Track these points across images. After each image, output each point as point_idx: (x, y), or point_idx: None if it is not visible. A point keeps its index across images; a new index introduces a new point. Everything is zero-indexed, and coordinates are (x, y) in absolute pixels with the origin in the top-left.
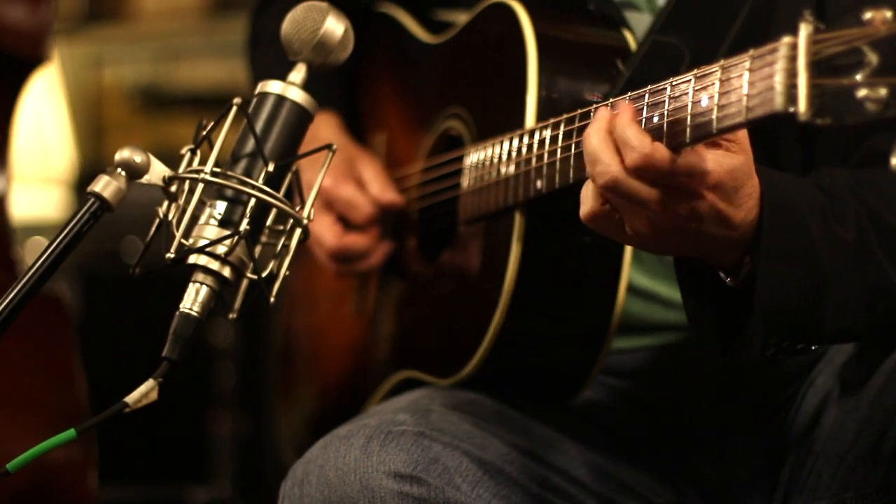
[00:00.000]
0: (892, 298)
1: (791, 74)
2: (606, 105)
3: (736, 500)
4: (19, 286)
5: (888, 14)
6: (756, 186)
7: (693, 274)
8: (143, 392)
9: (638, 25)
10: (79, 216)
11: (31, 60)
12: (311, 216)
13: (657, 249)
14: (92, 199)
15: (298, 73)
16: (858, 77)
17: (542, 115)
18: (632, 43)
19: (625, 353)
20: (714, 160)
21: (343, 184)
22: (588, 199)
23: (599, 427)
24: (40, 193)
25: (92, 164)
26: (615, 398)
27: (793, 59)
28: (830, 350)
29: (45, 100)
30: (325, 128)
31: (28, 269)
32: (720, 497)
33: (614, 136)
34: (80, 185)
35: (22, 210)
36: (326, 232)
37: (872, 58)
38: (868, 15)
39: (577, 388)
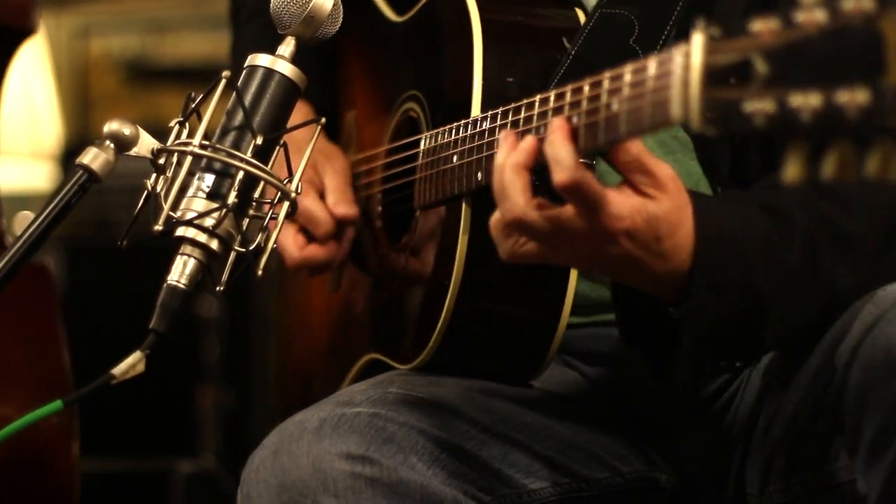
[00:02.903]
0: (844, 305)
1: (685, 84)
2: (515, 131)
3: (694, 478)
4: (7, 258)
5: (776, 23)
6: (689, 236)
7: (627, 299)
8: (130, 364)
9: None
10: (67, 188)
11: (17, 32)
12: (300, 189)
13: (594, 275)
14: (80, 171)
15: (287, 47)
16: (747, 88)
17: (488, 104)
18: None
19: (570, 329)
20: (632, 206)
21: (304, 194)
22: (501, 239)
23: (563, 399)
24: (29, 166)
25: (79, 136)
26: (572, 371)
27: (687, 68)
28: None
29: (33, 72)
30: (293, 118)
31: (16, 241)
32: (686, 471)
33: (546, 153)
34: (67, 157)
35: (10, 183)
36: (289, 243)
37: (762, 68)
38: (757, 26)
39: (535, 371)
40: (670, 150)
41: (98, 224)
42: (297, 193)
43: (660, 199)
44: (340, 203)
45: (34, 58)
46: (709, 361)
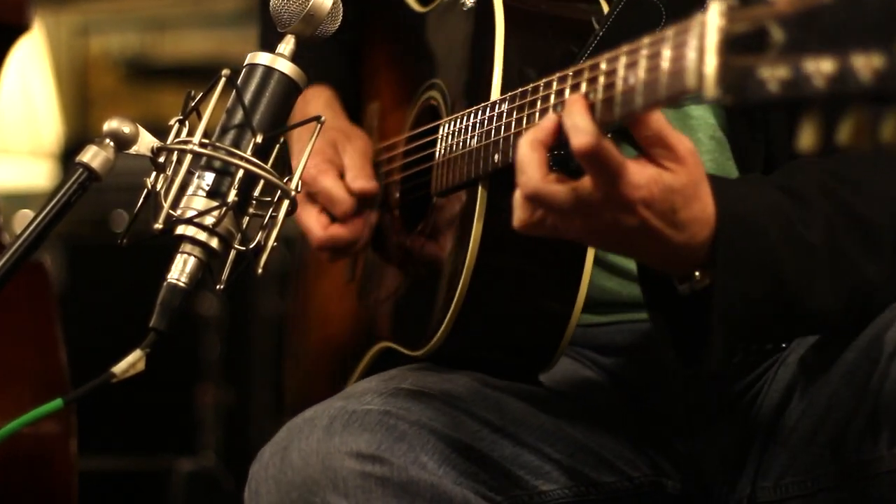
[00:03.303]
0: (868, 294)
1: (701, 52)
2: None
3: (706, 477)
4: (7, 257)
5: None
6: (706, 209)
7: (655, 282)
8: (130, 362)
9: None
10: (67, 186)
11: (12, 29)
12: (300, 188)
13: (606, 250)
14: (80, 170)
15: (287, 45)
16: (763, 56)
17: (507, 90)
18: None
19: (598, 326)
20: (649, 176)
21: (324, 174)
22: (517, 208)
23: (575, 400)
24: (29, 165)
25: (78, 134)
26: (589, 371)
27: (703, 36)
28: None
29: (32, 70)
30: (314, 103)
31: (15, 240)
32: (693, 471)
33: (564, 124)
34: (66, 155)
35: (10, 181)
36: (313, 223)
37: (778, 36)
38: None
39: (546, 362)
40: (707, 150)
41: (98, 222)
42: (297, 192)
43: (677, 172)
44: (358, 178)
45: (33, 56)
46: (739, 342)
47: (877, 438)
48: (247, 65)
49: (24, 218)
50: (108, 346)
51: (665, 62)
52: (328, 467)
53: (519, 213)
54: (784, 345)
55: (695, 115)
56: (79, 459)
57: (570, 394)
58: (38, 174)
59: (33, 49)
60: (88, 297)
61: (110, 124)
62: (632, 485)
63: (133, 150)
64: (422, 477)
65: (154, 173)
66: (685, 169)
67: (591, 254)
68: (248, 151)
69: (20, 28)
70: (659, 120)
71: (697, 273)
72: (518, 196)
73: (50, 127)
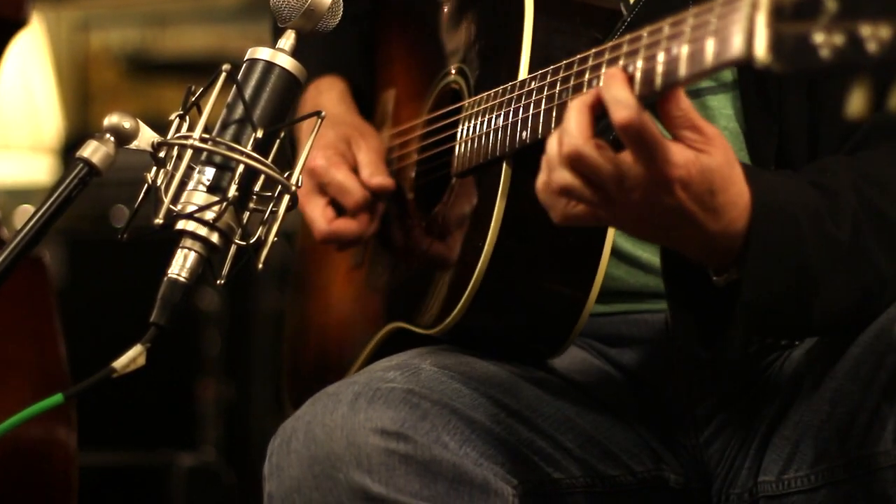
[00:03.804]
0: (883, 296)
1: (752, 20)
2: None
3: (709, 468)
4: (7, 251)
5: None
6: (742, 195)
7: (678, 266)
8: (131, 357)
9: None
10: (67, 181)
11: (11, 24)
12: (300, 183)
13: (636, 234)
14: (80, 165)
15: (287, 40)
16: (816, 23)
17: (535, 69)
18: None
19: (604, 316)
20: (686, 157)
21: (337, 166)
22: (552, 203)
23: (585, 390)
24: (29, 160)
25: (78, 129)
26: (596, 360)
27: (755, 5)
28: None
29: (32, 66)
30: (327, 95)
31: (15, 235)
32: (695, 465)
33: (604, 97)
34: (67, 150)
35: (10, 176)
36: (318, 216)
37: (831, 4)
38: None
39: (557, 348)
40: None
41: (98, 217)
42: (298, 187)
43: (712, 153)
44: (376, 174)
45: (34, 51)
46: (758, 335)
47: (881, 433)
48: (247, 60)
49: (24, 213)
50: (109, 341)
51: (712, 31)
52: (352, 443)
53: (556, 206)
54: (797, 342)
55: (712, 105)
56: (79, 454)
57: (581, 383)
58: (39, 169)
59: (34, 44)
60: (89, 292)
61: (111, 119)
62: (635, 479)
63: (133, 145)
64: (444, 456)
65: (154, 168)
66: (719, 150)
67: (609, 239)
68: (249, 146)
69: (18, 23)
70: (686, 101)
71: (735, 268)
72: (547, 187)
73: (50, 122)
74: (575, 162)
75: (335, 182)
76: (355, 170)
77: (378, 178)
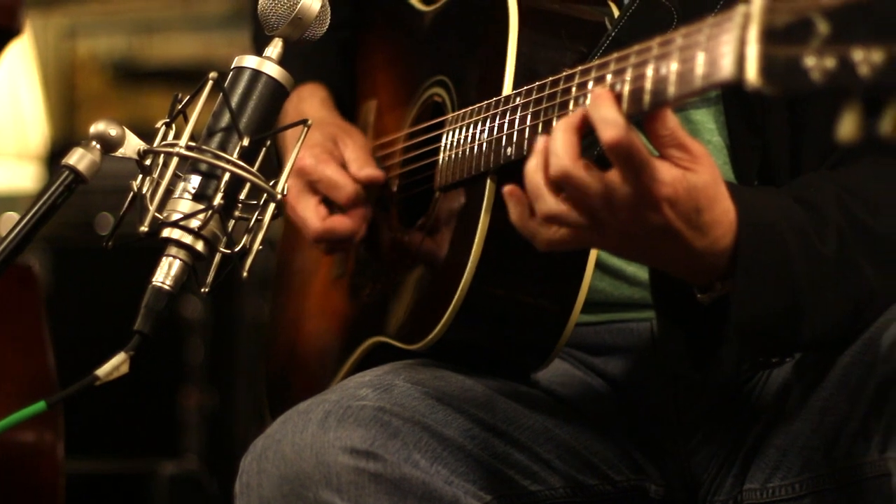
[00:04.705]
0: (874, 308)
1: (743, 42)
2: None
3: (695, 476)
4: None
5: None
6: (727, 212)
7: (667, 287)
8: (114, 365)
9: None
10: (52, 189)
11: (4, 32)
12: (286, 191)
13: (623, 254)
14: (66, 172)
15: (274, 48)
16: (807, 46)
17: (520, 85)
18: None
19: (588, 326)
20: (674, 175)
21: (325, 163)
22: (536, 232)
23: (564, 401)
24: (15, 167)
25: (65, 137)
26: (578, 371)
27: (745, 27)
28: None
29: (19, 73)
30: (309, 102)
31: (0, 242)
32: (680, 473)
33: (591, 117)
34: (52, 158)
35: None
36: (311, 214)
37: (823, 27)
38: None
39: (541, 362)
40: None
41: (83, 225)
42: (283, 195)
43: (699, 171)
44: (365, 167)
45: (21, 58)
46: (748, 354)
47: (868, 443)
48: (234, 68)
49: (9, 220)
50: (93, 348)
51: (701, 52)
52: (322, 462)
53: (542, 234)
54: (788, 359)
55: (695, 119)
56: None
57: (560, 394)
58: (25, 176)
59: (20, 51)
60: (73, 299)
61: (97, 127)
62: (614, 488)
63: (119, 152)
64: (414, 475)
65: (140, 176)
66: (705, 168)
67: (594, 252)
68: (235, 155)
69: (11, 32)
70: (673, 119)
71: (719, 284)
72: (538, 185)
73: (36, 129)
74: (563, 183)
75: (325, 178)
76: (344, 166)
77: (367, 170)
